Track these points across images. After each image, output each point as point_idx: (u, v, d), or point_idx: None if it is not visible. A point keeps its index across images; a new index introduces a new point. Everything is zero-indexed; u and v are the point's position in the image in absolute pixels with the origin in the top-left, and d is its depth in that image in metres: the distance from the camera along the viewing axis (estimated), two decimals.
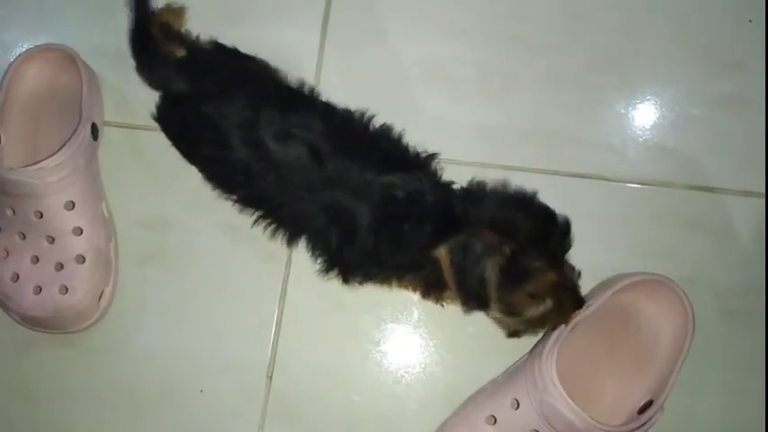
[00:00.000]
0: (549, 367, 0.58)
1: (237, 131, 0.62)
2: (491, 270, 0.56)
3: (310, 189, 0.61)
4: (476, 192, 0.61)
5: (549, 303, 0.58)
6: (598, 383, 0.64)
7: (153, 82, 0.69)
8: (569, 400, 0.56)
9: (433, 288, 0.63)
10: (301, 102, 0.66)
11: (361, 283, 0.65)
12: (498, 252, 0.56)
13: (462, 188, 0.63)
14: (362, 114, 0.65)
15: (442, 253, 0.57)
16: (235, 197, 0.66)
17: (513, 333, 0.63)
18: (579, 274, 0.61)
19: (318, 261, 0.66)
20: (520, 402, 0.59)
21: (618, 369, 0.65)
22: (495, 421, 0.60)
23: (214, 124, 0.63)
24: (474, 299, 0.59)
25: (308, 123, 0.63)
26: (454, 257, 0.57)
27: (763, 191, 0.71)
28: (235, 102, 0.63)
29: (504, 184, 0.61)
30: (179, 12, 0.73)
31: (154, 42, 0.69)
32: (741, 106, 0.73)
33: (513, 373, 0.64)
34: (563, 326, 0.60)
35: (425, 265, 0.60)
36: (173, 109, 0.68)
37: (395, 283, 0.65)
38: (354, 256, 0.62)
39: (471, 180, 0.63)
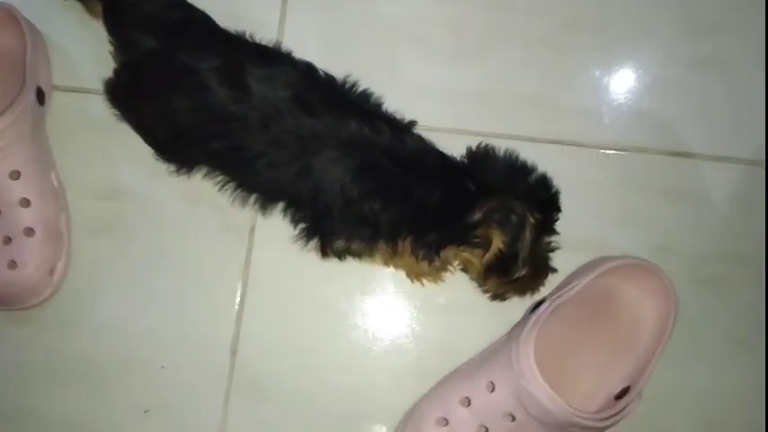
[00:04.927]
0: (526, 352, 0.56)
1: (216, 75, 0.59)
2: (527, 239, 0.57)
3: (297, 136, 0.58)
4: (481, 157, 0.61)
5: (526, 270, 0.59)
6: (576, 368, 0.63)
7: (125, 46, 0.64)
8: (546, 385, 0.55)
9: (429, 254, 0.60)
10: (281, 56, 0.63)
11: (341, 253, 0.63)
12: (533, 219, 0.57)
13: (468, 153, 0.62)
14: (344, 79, 0.63)
15: (495, 233, 0.57)
16: (209, 153, 0.62)
17: (496, 296, 0.63)
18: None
19: (298, 227, 0.63)
20: (495, 385, 0.58)
21: (597, 354, 0.63)
22: (470, 403, 0.59)
23: (191, 70, 0.59)
24: (503, 268, 0.59)
25: (292, 74, 0.60)
26: (505, 233, 0.57)
27: (741, 156, 0.69)
28: (212, 50, 0.60)
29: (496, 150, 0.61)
30: None
31: (124, 7, 0.64)
32: (720, 68, 0.71)
33: (489, 355, 0.62)
34: (545, 308, 0.60)
35: (431, 228, 0.59)
36: (137, 71, 0.63)
37: (381, 248, 0.62)
38: (344, 217, 0.60)
39: (478, 145, 0.62)
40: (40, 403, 0.67)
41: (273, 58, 0.62)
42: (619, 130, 0.70)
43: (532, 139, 0.70)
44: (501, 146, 0.62)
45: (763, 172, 0.68)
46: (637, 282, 0.63)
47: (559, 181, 0.62)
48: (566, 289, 0.60)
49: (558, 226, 0.61)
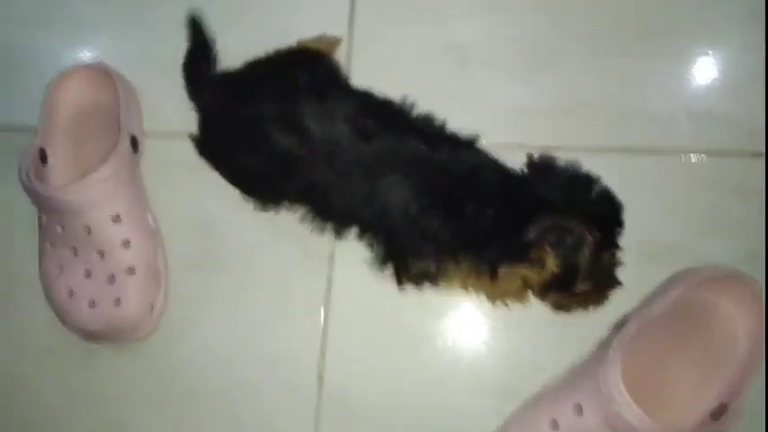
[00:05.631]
0: (613, 374, 0.55)
1: (275, 124, 0.62)
2: (585, 256, 0.56)
3: (360, 164, 0.60)
4: (542, 167, 0.60)
5: (588, 285, 0.58)
6: (667, 386, 0.60)
7: (201, 105, 0.70)
8: (636, 407, 0.53)
9: (488, 270, 0.60)
10: (338, 88, 0.66)
11: (415, 277, 0.64)
12: (591, 237, 0.56)
13: (527, 165, 0.61)
14: (402, 101, 0.65)
15: (548, 256, 0.57)
16: (284, 193, 0.66)
17: (560, 307, 0.62)
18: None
19: (373, 251, 0.65)
20: (583, 408, 0.57)
21: (689, 371, 0.60)
22: (558, 426, 0.58)
23: (251, 124, 0.63)
24: (561, 285, 0.59)
25: (348, 105, 0.62)
26: (558, 256, 0.56)
27: None
28: (268, 96, 0.63)
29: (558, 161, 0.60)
30: (333, 42, 0.73)
31: (204, 72, 0.71)
32: None
33: (575, 376, 0.60)
34: (629, 326, 0.58)
35: (488, 244, 0.59)
36: (209, 128, 0.69)
37: (449, 266, 0.62)
38: (407, 235, 0.61)
39: (540, 155, 0.62)
40: (142, 428, 0.71)
41: (329, 90, 0.64)
42: (698, 134, 0.68)
43: (606, 150, 0.68)
44: (576, 158, 0.61)
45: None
46: (727, 293, 0.60)
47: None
48: (651, 305, 0.58)
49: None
